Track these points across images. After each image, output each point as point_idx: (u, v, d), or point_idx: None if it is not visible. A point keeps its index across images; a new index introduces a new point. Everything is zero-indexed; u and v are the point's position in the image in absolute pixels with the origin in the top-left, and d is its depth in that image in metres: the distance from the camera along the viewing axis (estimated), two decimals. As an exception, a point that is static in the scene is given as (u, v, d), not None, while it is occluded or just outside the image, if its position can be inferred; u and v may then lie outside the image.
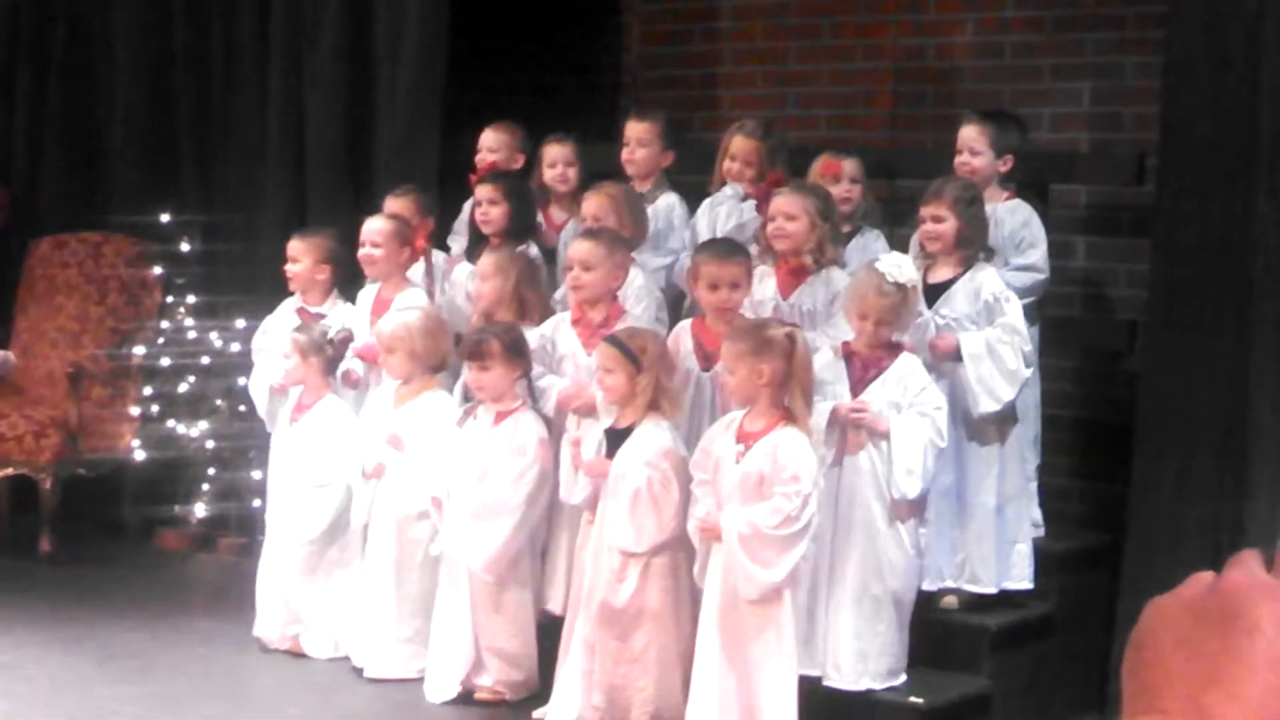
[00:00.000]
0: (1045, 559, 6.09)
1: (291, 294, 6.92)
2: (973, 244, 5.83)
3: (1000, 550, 5.89)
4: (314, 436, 6.50)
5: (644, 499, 5.49)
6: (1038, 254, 6.13)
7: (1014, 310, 5.73)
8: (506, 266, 6.35)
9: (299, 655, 6.47)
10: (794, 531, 5.18)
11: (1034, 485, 6.24)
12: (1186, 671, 1.05)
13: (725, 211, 6.47)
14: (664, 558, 5.52)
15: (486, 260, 6.41)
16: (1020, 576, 5.94)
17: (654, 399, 5.55)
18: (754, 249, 6.12)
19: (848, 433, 5.49)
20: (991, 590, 5.88)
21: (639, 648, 5.53)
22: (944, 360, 5.74)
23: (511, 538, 5.93)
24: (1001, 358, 5.70)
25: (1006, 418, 5.85)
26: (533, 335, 6.12)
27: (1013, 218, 6.14)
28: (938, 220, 5.83)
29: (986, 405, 5.71)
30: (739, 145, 6.57)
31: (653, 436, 5.54)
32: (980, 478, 5.86)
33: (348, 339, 6.66)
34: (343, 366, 6.66)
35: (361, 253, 6.70)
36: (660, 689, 5.51)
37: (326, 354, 6.54)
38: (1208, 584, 1.09)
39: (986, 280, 5.79)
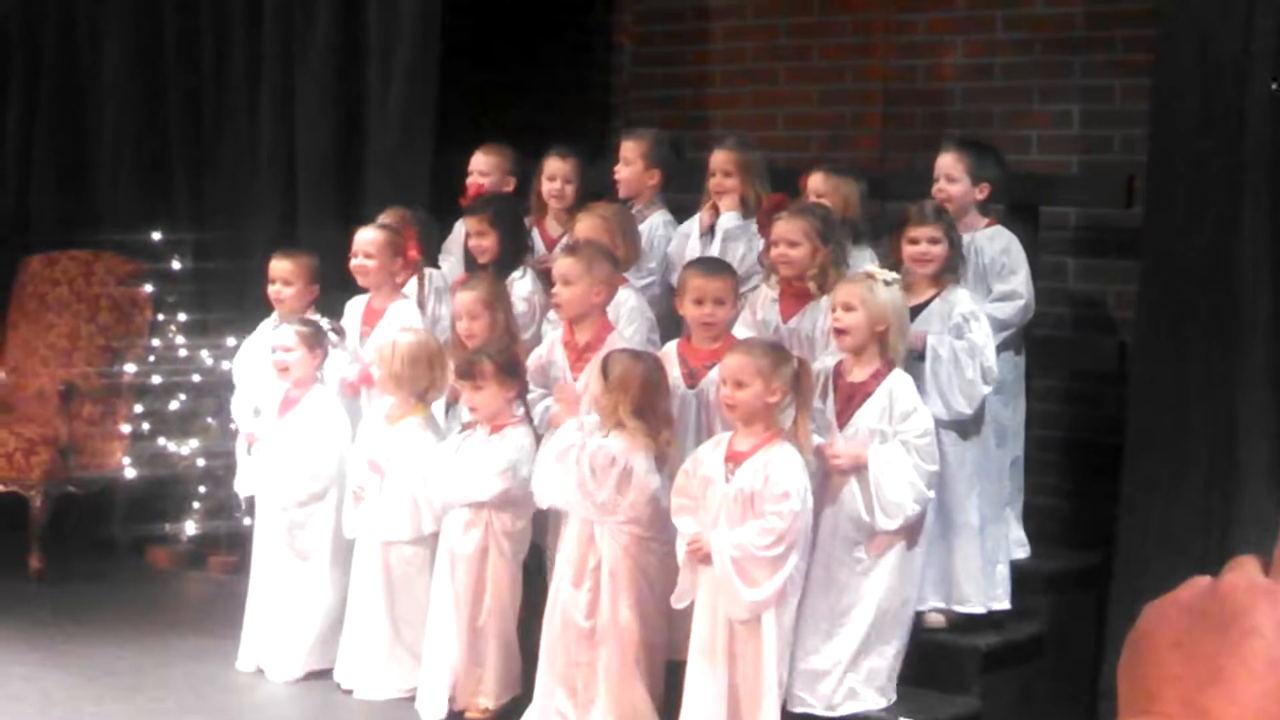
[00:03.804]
0: (1034, 579, 6.11)
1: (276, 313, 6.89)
2: (953, 266, 5.87)
3: (985, 570, 5.90)
4: (307, 429, 6.46)
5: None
6: (1019, 279, 6.12)
7: (980, 329, 5.73)
8: (494, 301, 6.26)
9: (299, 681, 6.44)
10: (782, 551, 5.20)
11: (1018, 505, 6.26)
12: (1184, 673, 1.06)
13: (742, 247, 6.39)
14: (626, 571, 5.54)
15: (471, 298, 6.24)
16: (1001, 597, 5.94)
17: (619, 420, 5.53)
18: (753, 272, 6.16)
19: (831, 474, 5.48)
20: (980, 610, 5.87)
21: (604, 659, 5.55)
22: (910, 355, 5.75)
23: (472, 519, 5.93)
24: (962, 367, 5.71)
25: (985, 438, 5.87)
26: (530, 356, 6.13)
27: (992, 244, 6.13)
28: (934, 242, 5.83)
29: (938, 411, 5.68)
30: (716, 159, 6.55)
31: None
32: (963, 497, 5.85)
33: (341, 331, 6.67)
34: (339, 375, 6.65)
35: (354, 263, 6.67)
36: (626, 700, 5.52)
37: (329, 344, 6.54)
38: (1205, 586, 1.10)
39: (959, 301, 5.80)
